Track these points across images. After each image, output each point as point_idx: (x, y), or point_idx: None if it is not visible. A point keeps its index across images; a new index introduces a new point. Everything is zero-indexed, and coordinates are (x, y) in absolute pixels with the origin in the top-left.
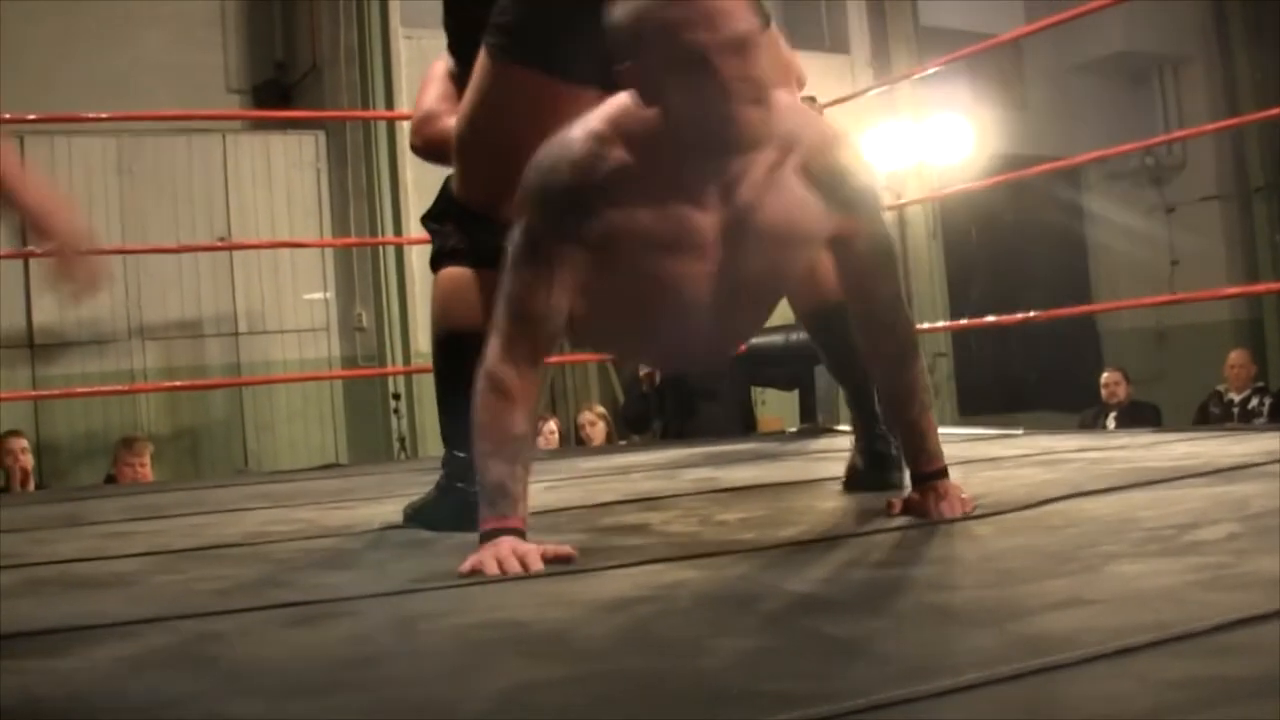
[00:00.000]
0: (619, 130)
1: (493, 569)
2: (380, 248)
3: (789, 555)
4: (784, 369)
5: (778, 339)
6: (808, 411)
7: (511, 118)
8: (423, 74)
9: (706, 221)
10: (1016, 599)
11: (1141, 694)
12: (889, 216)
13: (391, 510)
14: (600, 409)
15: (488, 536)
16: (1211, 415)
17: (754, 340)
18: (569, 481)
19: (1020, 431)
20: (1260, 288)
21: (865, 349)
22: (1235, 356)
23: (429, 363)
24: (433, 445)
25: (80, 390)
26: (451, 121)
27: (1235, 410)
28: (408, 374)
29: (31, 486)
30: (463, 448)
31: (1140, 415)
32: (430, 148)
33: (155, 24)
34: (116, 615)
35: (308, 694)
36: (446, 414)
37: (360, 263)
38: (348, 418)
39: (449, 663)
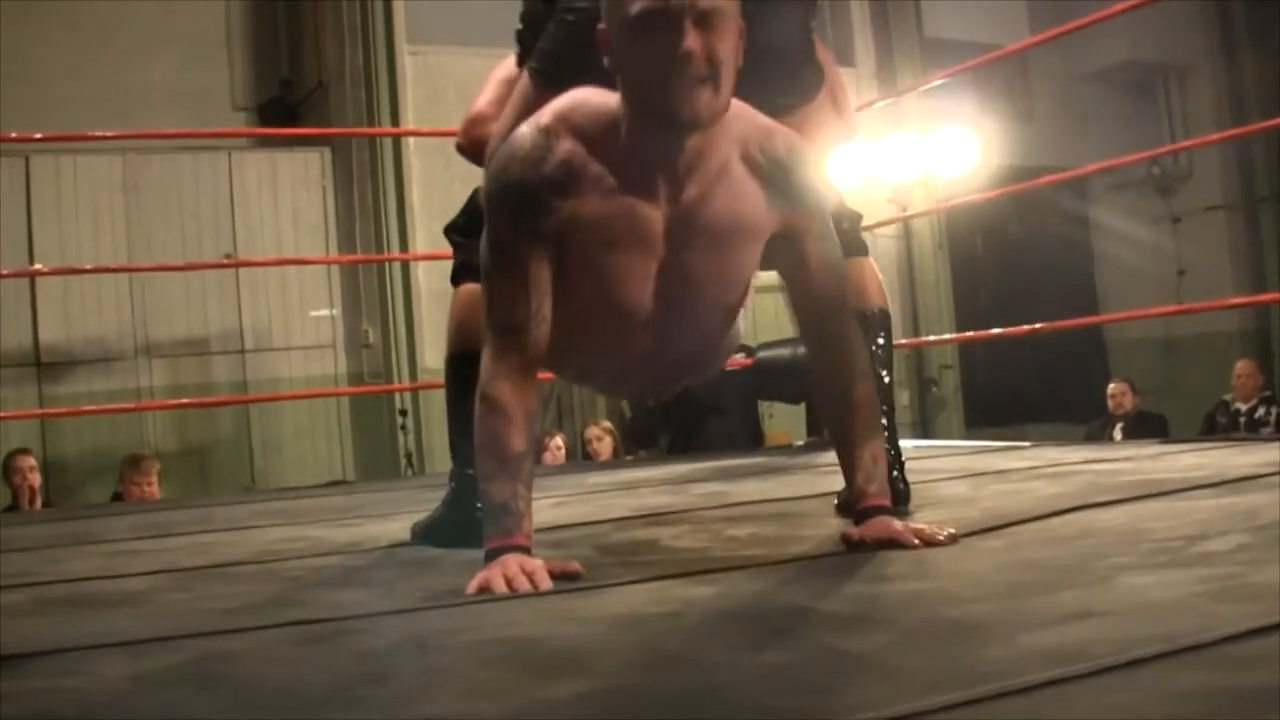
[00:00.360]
0: (568, 122)
1: (501, 587)
2: (386, 264)
3: (799, 570)
4: (791, 382)
5: (785, 352)
6: (815, 425)
7: None
8: (429, 90)
9: (654, 213)
10: (1027, 612)
11: (1152, 705)
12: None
13: (399, 527)
14: (607, 424)
15: (493, 555)
16: (1218, 425)
17: (761, 354)
18: (577, 497)
19: (1028, 444)
20: (1266, 297)
21: (812, 364)
22: (1242, 366)
23: (436, 379)
24: (440, 461)
25: (87, 408)
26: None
27: (1242, 420)
28: (414, 390)
29: (39, 505)
30: (472, 465)
31: (1147, 426)
32: (476, 150)
33: (162, 43)
34: (126, 633)
35: (317, 712)
36: (457, 431)
37: (366, 279)
38: (355, 434)
39: (460, 681)
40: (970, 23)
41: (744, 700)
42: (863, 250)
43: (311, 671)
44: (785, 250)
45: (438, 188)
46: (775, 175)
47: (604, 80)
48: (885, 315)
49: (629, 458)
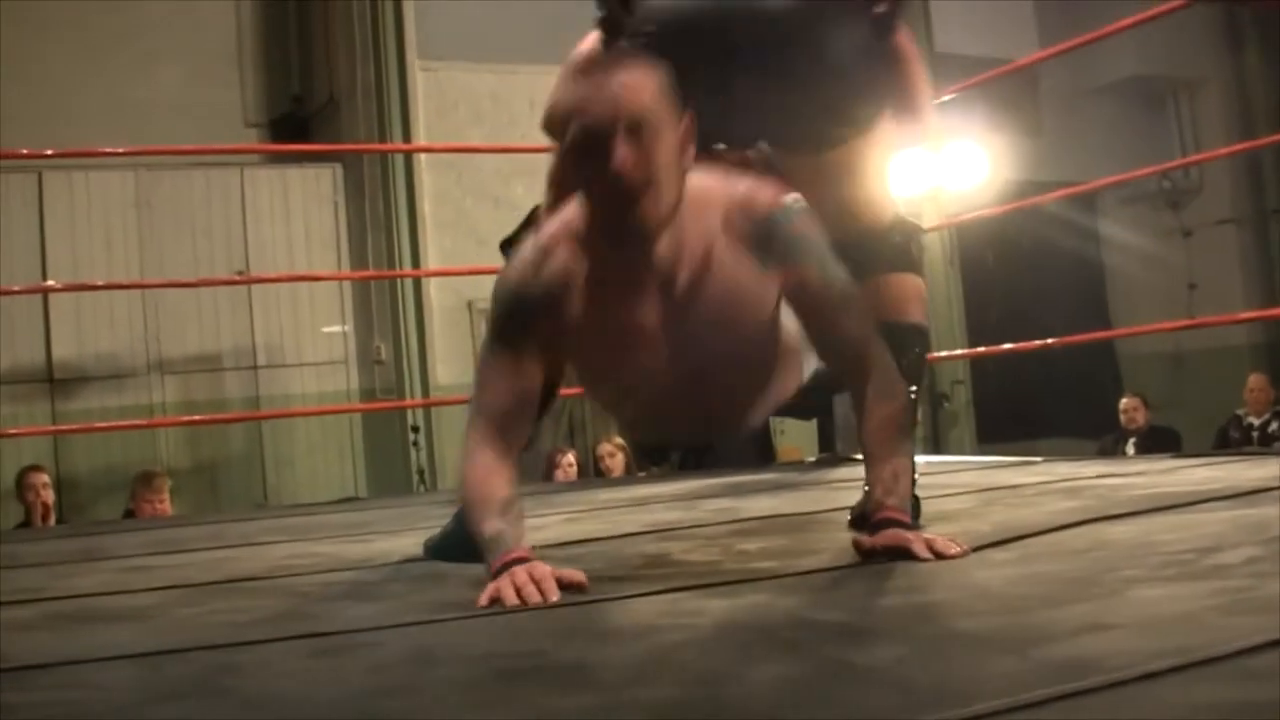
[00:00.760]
0: (566, 232)
1: (511, 598)
2: (398, 280)
3: (811, 584)
4: (802, 398)
5: None
6: (827, 440)
7: None
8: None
9: (650, 309)
10: (1039, 625)
11: (1165, 719)
12: None
13: (411, 543)
14: (619, 440)
15: (499, 572)
16: (1231, 439)
17: None
18: (588, 513)
19: (1039, 459)
20: (1278, 311)
21: (842, 384)
22: (1254, 380)
23: (448, 395)
24: (452, 477)
25: (100, 425)
26: None
27: (1254, 434)
28: (426, 406)
29: (52, 521)
30: None
31: (1160, 440)
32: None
33: (173, 59)
34: (135, 647)
35: None
36: None
37: (379, 295)
38: (367, 451)
39: (471, 693)
40: (980, 37)
41: (753, 713)
42: (911, 266)
43: (322, 684)
44: (795, 299)
45: (449, 203)
46: (762, 240)
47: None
48: (920, 331)
49: (641, 474)
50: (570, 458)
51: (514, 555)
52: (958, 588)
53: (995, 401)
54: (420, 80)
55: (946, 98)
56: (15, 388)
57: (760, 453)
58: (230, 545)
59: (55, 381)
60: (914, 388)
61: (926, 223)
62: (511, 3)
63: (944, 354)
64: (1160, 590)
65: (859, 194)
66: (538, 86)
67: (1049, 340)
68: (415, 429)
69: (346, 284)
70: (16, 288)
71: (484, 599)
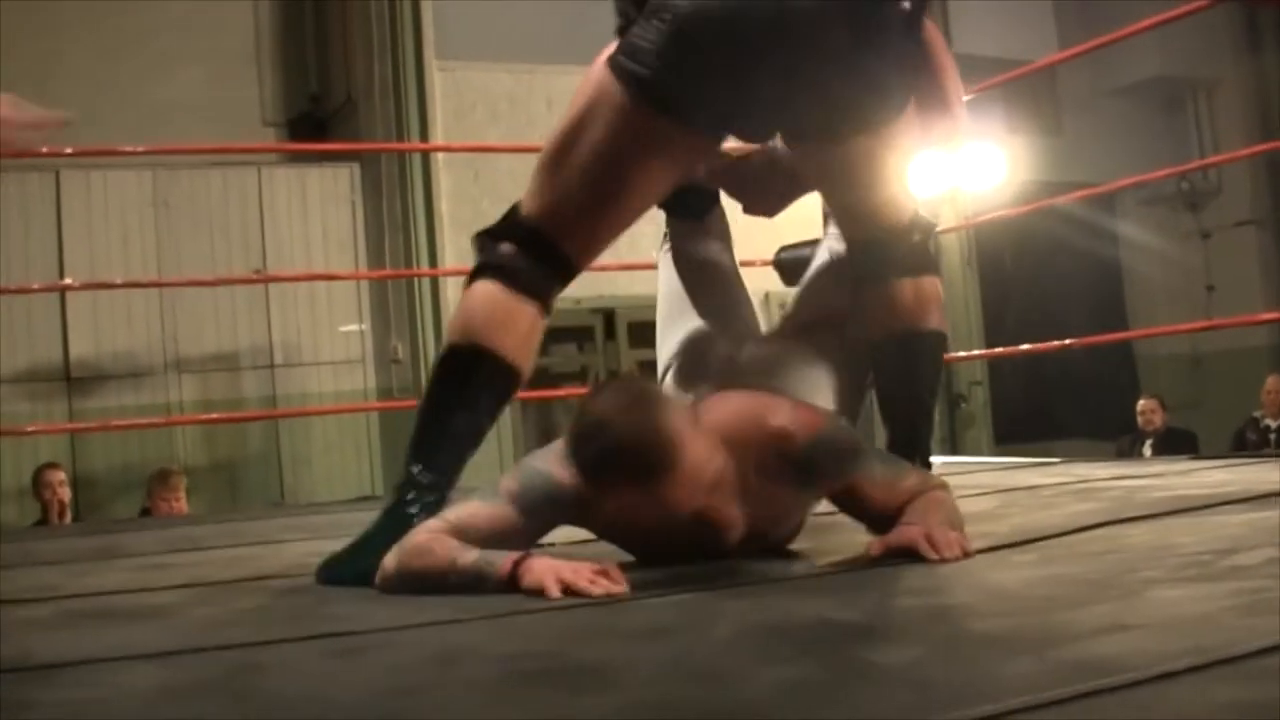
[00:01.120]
0: None
1: (555, 590)
2: (415, 280)
3: (830, 584)
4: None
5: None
6: None
7: (616, 149)
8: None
9: (681, 536)
10: (1057, 625)
11: (1183, 719)
12: None
13: None
14: None
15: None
16: (1249, 442)
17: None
18: None
19: (1057, 460)
20: None
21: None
22: (1272, 382)
23: None
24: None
25: (117, 423)
26: None
27: (1272, 436)
28: None
29: (69, 519)
30: (422, 462)
31: (1177, 442)
32: None
33: (191, 59)
34: (154, 645)
35: None
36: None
37: (396, 295)
38: (384, 450)
39: (489, 694)
40: (999, 38)
41: (774, 714)
42: (929, 267)
43: (341, 684)
44: (839, 499)
45: (467, 203)
46: (801, 474)
47: (711, 107)
48: (939, 337)
49: None
50: None
51: (519, 555)
52: (976, 589)
53: (1013, 402)
54: (438, 80)
55: (966, 97)
56: (33, 386)
57: None
58: (247, 543)
59: (72, 380)
60: (931, 396)
61: (944, 224)
62: (529, 3)
63: (961, 354)
64: (1178, 591)
65: (880, 192)
66: (555, 86)
67: (1067, 341)
68: None
69: (364, 283)
70: (34, 286)
71: (553, 590)
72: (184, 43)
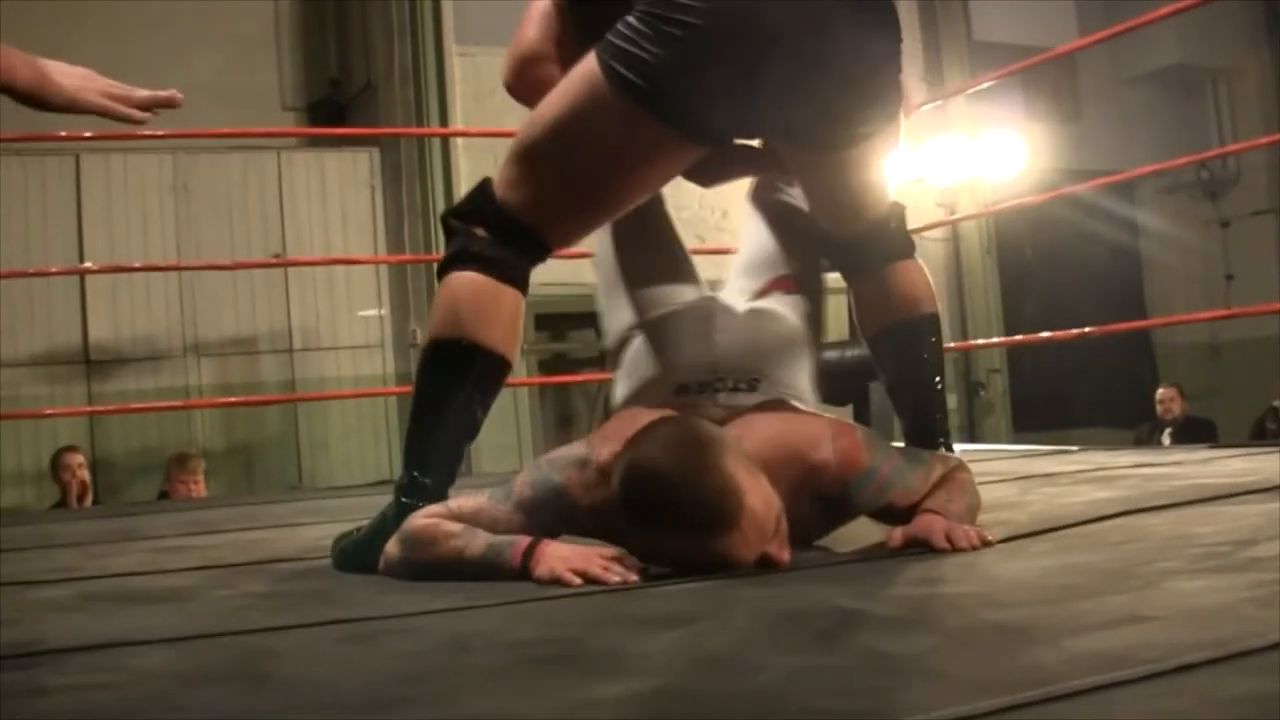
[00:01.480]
0: None
1: (573, 578)
2: (434, 264)
3: (845, 573)
4: (837, 384)
5: (832, 354)
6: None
7: (612, 154)
8: (477, 91)
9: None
10: (1074, 615)
11: (1201, 711)
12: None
13: None
14: None
15: (524, 571)
16: (1268, 431)
17: None
18: None
19: (1075, 448)
20: None
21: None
22: None
23: None
24: (486, 461)
25: (136, 406)
26: (556, 71)
27: None
28: None
29: (88, 502)
30: (421, 468)
31: (1196, 431)
32: (534, 92)
33: (211, 44)
34: (170, 630)
35: (361, 711)
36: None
37: (415, 279)
38: (402, 434)
39: (503, 680)
40: (1018, 25)
41: (789, 703)
42: (910, 250)
43: (355, 670)
44: (879, 512)
45: None
46: (841, 504)
47: (703, 112)
48: (934, 319)
49: None
50: None
51: (527, 542)
52: (993, 578)
53: (1031, 390)
54: (457, 65)
55: (985, 85)
56: (52, 369)
57: None
58: (265, 526)
59: (91, 363)
60: (938, 379)
61: (963, 211)
62: None
63: (980, 342)
64: (1197, 582)
65: (867, 192)
66: None
67: (1085, 329)
68: None
69: (383, 268)
70: (54, 269)
71: (570, 578)
72: (204, 27)
